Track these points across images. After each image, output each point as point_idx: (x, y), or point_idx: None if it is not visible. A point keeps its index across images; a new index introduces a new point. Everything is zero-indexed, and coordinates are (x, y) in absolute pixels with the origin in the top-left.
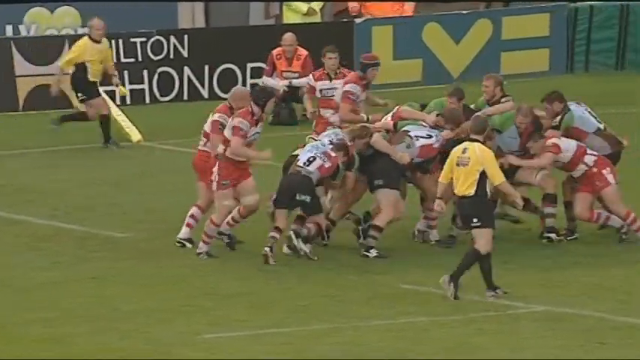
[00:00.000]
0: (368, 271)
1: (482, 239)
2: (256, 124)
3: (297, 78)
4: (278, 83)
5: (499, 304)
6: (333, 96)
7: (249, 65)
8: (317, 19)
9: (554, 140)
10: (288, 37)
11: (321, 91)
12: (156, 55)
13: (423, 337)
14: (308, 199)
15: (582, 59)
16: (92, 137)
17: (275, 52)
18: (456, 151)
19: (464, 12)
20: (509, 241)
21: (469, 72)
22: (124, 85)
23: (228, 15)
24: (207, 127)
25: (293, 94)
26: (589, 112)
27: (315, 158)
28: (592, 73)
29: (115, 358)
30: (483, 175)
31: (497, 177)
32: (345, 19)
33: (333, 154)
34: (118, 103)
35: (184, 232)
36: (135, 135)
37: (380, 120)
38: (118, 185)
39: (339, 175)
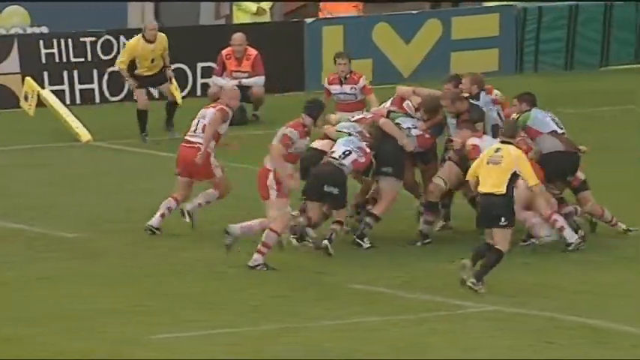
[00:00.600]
0: (319, 272)
1: (505, 239)
2: (306, 136)
3: (246, 78)
4: (228, 83)
5: (450, 304)
6: (345, 100)
7: (200, 65)
8: (267, 18)
9: (474, 141)
10: (238, 36)
11: (334, 95)
12: (106, 54)
13: (373, 337)
14: (336, 191)
15: (531, 59)
16: (42, 138)
17: (225, 52)
18: (489, 150)
19: (413, 12)
20: (459, 242)
21: (419, 72)
22: (144, 87)
23: (179, 15)
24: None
25: (243, 93)
26: (551, 118)
27: (350, 152)
28: (541, 74)
29: (68, 359)
30: (514, 177)
31: (532, 178)
32: (295, 19)
33: (367, 150)
34: (68, 102)
35: (157, 220)
36: (84, 135)
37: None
38: (67, 185)
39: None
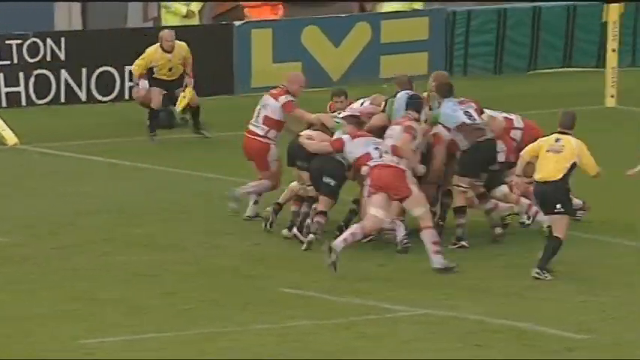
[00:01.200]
0: (249, 275)
1: (563, 226)
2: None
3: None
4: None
5: (380, 307)
6: None
7: (128, 68)
8: (195, 21)
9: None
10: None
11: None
12: (32, 57)
13: (303, 341)
14: (333, 182)
15: (461, 63)
16: None
17: None
18: (548, 139)
19: (342, 15)
20: (384, 244)
21: (349, 75)
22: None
23: (106, 17)
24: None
25: (171, 96)
26: (462, 110)
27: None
28: (470, 77)
29: None
30: (573, 166)
31: (592, 168)
32: (224, 22)
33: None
34: None
35: (252, 209)
36: (11, 138)
37: None
38: None
39: None
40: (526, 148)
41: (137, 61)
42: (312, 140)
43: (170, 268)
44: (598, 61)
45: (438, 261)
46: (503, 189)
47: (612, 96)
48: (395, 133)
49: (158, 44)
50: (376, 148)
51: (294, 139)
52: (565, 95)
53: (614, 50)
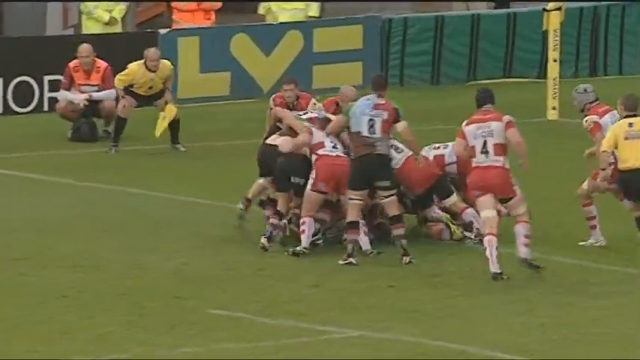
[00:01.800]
0: (175, 296)
1: None
2: None
3: (97, 91)
4: (77, 97)
5: (313, 330)
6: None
7: (46, 78)
8: (118, 29)
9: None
10: (84, 48)
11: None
12: None
13: None
14: (302, 182)
15: (397, 73)
16: None
17: (72, 64)
18: (619, 126)
19: (273, 23)
20: (319, 262)
21: (280, 86)
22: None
23: (24, 24)
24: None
25: (93, 108)
26: (369, 117)
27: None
28: (407, 88)
29: None
30: None
31: None
32: (149, 30)
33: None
34: None
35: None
36: None
37: None
38: None
39: None
40: (602, 141)
41: (119, 76)
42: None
43: (90, 289)
44: (540, 72)
45: (525, 252)
46: (452, 198)
47: (554, 108)
48: (496, 130)
49: (143, 61)
50: (332, 142)
51: (264, 149)
52: (505, 107)
53: (555, 60)
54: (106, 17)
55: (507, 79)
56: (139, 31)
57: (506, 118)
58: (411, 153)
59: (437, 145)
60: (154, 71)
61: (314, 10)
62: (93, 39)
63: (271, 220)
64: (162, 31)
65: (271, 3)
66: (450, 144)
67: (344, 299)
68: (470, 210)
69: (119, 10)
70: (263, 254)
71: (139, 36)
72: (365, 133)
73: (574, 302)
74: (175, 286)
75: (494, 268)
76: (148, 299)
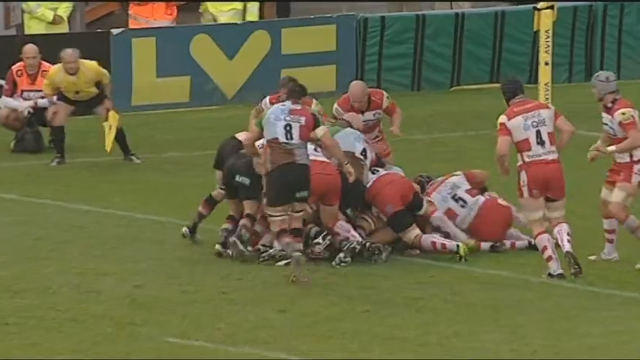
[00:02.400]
0: (129, 323)
1: None
2: None
3: (42, 98)
4: (21, 104)
5: (279, 359)
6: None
7: None
8: (65, 28)
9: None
10: (30, 48)
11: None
12: None
13: None
14: (247, 181)
15: (374, 78)
16: None
17: (15, 67)
18: None
19: (237, 23)
20: (288, 284)
21: (245, 91)
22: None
23: None
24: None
25: (39, 116)
26: (285, 123)
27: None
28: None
29: None
30: None
31: None
32: (99, 29)
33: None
34: None
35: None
36: None
37: None
38: None
39: None
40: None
41: (45, 81)
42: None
43: (35, 315)
44: (530, 76)
45: (570, 247)
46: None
47: None
48: (547, 118)
49: (62, 64)
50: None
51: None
52: (492, 115)
53: (547, 64)
54: (50, 16)
55: (495, 84)
56: (89, 32)
57: (551, 106)
58: (385, 172)
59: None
60: (73, 74)
61: (252, 14)
62: (38, 39)
63: (225, 226)
64: (115, 31)
65: (207, 3)
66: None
67: (315, 325)
68: (437, 213)
69: (65, 7)
70: (226, 276)
71: (88, 36)
72: (282, 139)
73: (569, 329)
74: (129, 312)
75: (557, 268)
76: (100, 326)
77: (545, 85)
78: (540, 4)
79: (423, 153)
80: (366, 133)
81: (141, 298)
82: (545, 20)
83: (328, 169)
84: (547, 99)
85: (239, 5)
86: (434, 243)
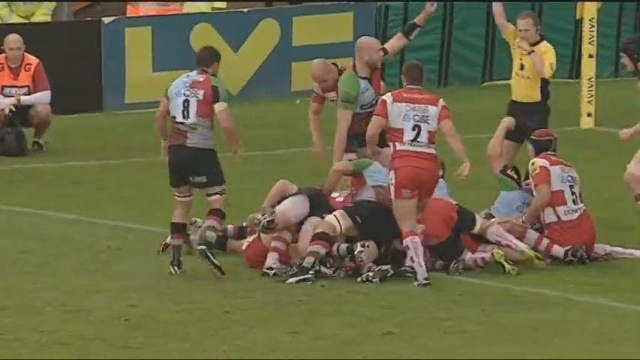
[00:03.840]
0: (122, 346)
1: None
2: None
3: (26, 94)
4: (1, 101)
5: None
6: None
7: None
8: (46, 17)
9: None
10: (13, 39)
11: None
12: None
13: None
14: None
15: (396, 72)
16: None
17: None
18: None
19: (243, 10)
20: (299, 303)
21: (251, 88)
22: None
23: None
24: None
25: (22, 115)
26: (184, 98)
27: None
28: None
29: None
30: None
31: None
32: (88, 18)
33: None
34: None
35: None
36: None
37: None
38: None
39: None
40: None
41: None
42: None
43: (21, 337)
44: (572, 70)
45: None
46: (477, 225)
47: (589, 114)
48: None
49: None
50: None
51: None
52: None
53: (591, 56)
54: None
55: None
56: (78, 21)
57: None
58: None
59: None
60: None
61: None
62: (21, 29)
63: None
64: (106, 19)
65: None
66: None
67: (331, 349)
68: (493, 228)
69: (43, 14)
70: (230, 293)
71: (77, 26)
72: (179, 118)
73: (615, 351)
74: (123, 334)
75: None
76: (90, 350)
77: (589, 80)
78: None
79: (452, 157)
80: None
81: (136, 318)
82: (589, 8)
83: (423, 163)
84: (591, 95)
85: None
86: (474, 260)
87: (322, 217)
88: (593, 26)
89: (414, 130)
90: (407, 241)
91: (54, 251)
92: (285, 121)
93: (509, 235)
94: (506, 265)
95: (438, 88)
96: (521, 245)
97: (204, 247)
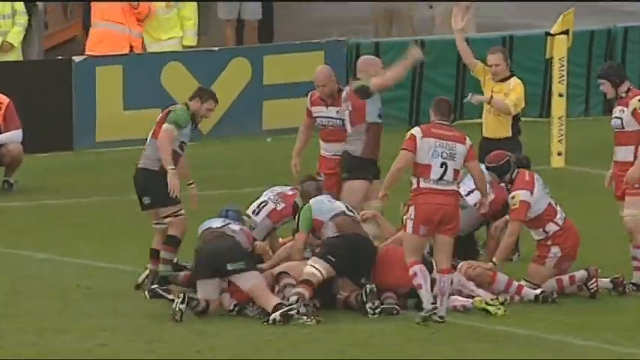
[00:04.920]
0: None
1: None
2: None
3: None
4: None
5: None
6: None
7: None
8: (16, 56)
9: None
10: None
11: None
12: None
13: None
14: (147, 200)
15: None
16: None
17: None
18: None
19: (214, 49)
20: (270, 343)
21: (222, 127)
22: None
23: None
24: None
25: None
26: None
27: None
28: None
29: None
30: None
31: None
32: (60, 57)
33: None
34: None
35: None
36: None
37: None
38: None
39: None
40: None
41: None
42: None
43: None
44: (542, 110)
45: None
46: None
47: (559, 153)
48: None
49: None
50: None
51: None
52: None
53: (561, 95)
54: None
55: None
56: (48, 59)
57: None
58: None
59: None
60: None
61: (189, 38)
62: None
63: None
64: (77, 58)
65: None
66: None
67: None
68: (457, 276)
69: (15, 33)
70: (201, 332)
71: (48, 64)
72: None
73: None
74: None
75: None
76: None
77: (560, 119)
78: (554, 29)
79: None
80: (330, 141)
81: (105, 357)
82: (559, 47)
83: (446, 199)
84: (561, 134)
85: (180, 32)
86: (455, 307)
87: None
88: (563, 65)
89: (441, 167)
90: (415, 269)
91: (21, 290)
92: (256, 160)
93: (471, 284)
94: (491, 309)
95: (409, 126)
96: (482, 294)
97: (155, 286)
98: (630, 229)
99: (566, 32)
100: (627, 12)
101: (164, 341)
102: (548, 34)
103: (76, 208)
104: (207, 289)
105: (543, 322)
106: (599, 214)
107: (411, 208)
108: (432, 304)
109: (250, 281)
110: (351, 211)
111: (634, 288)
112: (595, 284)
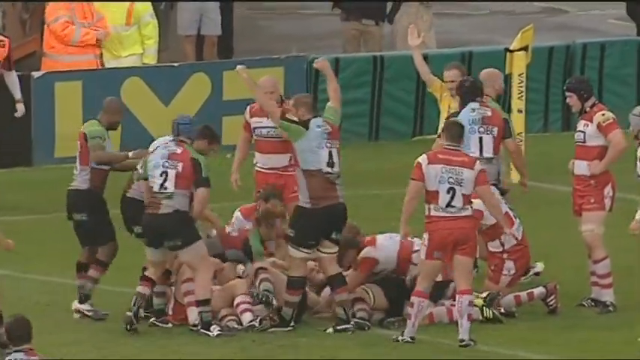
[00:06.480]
0: None
1: None
2: None
3: None
4: None
5: None
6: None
7: None
8: None
9: None
10: None
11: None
12: None
13: None
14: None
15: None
16: None
17: None
18: None
19: (174, 65)
20: (234, 354)
21: None
22: None
23: None
24: None
25: None
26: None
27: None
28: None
29: None
30: None
31: None
32: (19, 72)
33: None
34: None
35: None
36: None
37: None
38: None
39: None
40: None
41: None
42: None
43: None
44: None
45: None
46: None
47: None
48: None
49: None
50: None
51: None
52: None
53: (520, 111)
54: None
55: None
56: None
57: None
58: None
59: None
60: None
61: (149, 56)
62: None
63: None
64: (36, 73)
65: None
66: None
67: None
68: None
69: None
70: (163, 347)
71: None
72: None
73: None
74: None
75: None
76: None
77: (519, 135)
78: (513, 45)
79: (382, 211)
80: (269, 153)
81: None
82: (518, 63)
83: (458, 224)
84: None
85: (140, 49)
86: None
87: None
88: (522, 81)
89: (448, 193)
90: (415, 299)
91: None
92: (216, 175)
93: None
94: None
95: (369, 142)
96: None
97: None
98: (589, 245)
99: (525, 48)
100: (586, 28)
101: (127, 357)
102: (507, 50)
103: (36, 225)
104: (155, 254)
105: (503, 338)
106: (557, 230)
107: (425, 235)
108: (411, 338)
109: (187, 255)
110: None
111: (592, 304)
112: (554, 300)
